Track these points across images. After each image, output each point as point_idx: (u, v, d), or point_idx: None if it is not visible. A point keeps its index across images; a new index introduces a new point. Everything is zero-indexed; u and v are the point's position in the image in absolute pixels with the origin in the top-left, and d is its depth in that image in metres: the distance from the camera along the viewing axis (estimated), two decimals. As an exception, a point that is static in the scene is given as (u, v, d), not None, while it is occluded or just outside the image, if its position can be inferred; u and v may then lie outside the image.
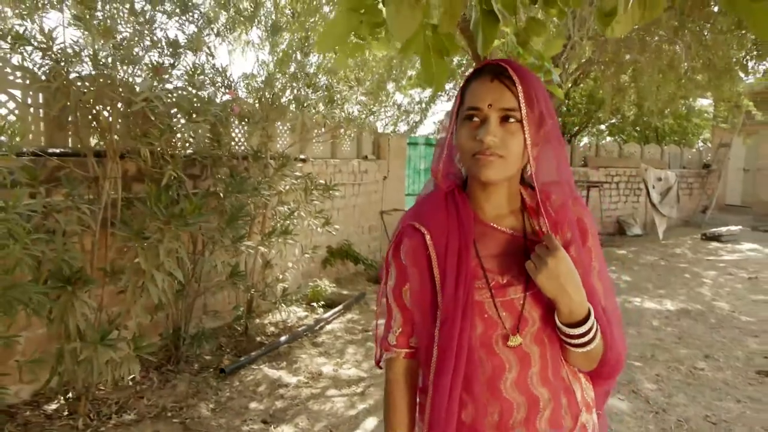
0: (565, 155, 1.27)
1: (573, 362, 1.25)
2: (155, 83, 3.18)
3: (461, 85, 1.26)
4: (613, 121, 17.89)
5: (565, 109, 14.02)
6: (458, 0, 1.29)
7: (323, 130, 6.20)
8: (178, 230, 3.26)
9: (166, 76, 3.39)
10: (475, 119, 1.17)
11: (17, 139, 2.56)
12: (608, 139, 19.09)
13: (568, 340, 1.19)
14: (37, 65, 3.42)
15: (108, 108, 3.31)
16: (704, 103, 16.80)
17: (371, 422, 3.65)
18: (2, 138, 2.68)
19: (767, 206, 14.53)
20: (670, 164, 14.90)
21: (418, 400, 1.35)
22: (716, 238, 12.07)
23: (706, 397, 4.14)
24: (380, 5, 1.36)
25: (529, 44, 2.45)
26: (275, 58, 5.11)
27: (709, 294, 7.50)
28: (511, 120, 1.15)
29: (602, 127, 19.01)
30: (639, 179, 12.13)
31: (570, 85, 10.52)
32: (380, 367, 1.42)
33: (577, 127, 15.42)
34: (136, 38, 3.30)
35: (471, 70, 1.16)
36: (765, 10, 1.13)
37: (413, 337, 1.32)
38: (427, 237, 1.25)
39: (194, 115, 3.36)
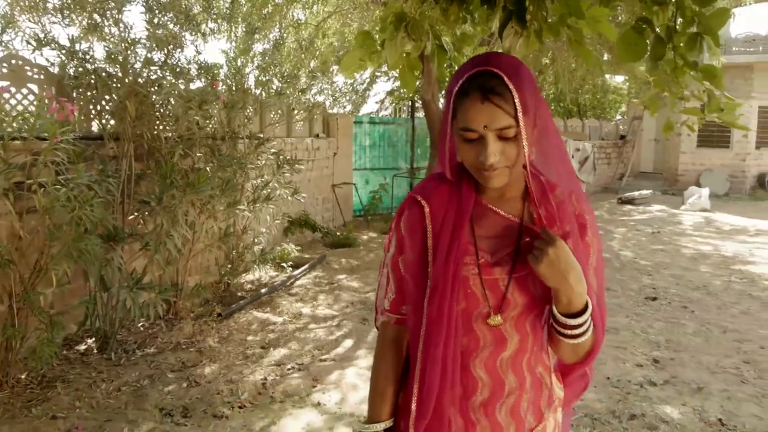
0: (563, 148, 1.33)
1: (559, 353, 1.29)
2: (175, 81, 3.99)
3: (449, 84, 1.24)
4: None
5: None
6: (420, 43, 2.25)
7: (281, 111, 7.03)
8: (191, 196, 4.10)
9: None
10: (473, 138, 1.17)
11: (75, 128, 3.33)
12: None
13: (563, 330, 1.20)
14: (52, 64, 4.18)
15: (129, 100, 4.07)
16: (619, 80, 18.38)
17: (348, 342, 4.63)
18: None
19: (675, 172, 16.25)
20: (591, 136, 16.39)
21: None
22: (630, 201, 13.55)
23: (604, 317, 5.31)
24: (377, 44, 2.29)
25: (462, 50, 3.43)
26: (236, 47, 5.90)
27: (617, 246, 8.83)
28: (509, 135, 1.15)
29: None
30: (561, 150, 13.43)
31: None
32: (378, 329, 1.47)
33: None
34: (148, 42, 4.08)
35: (459, 68, 1.24)
36: (589, 53, 2.12)
37: (405, 305, 1.35)
38: (426, 209, 1.29)
39: (203, 105, 4.18)
